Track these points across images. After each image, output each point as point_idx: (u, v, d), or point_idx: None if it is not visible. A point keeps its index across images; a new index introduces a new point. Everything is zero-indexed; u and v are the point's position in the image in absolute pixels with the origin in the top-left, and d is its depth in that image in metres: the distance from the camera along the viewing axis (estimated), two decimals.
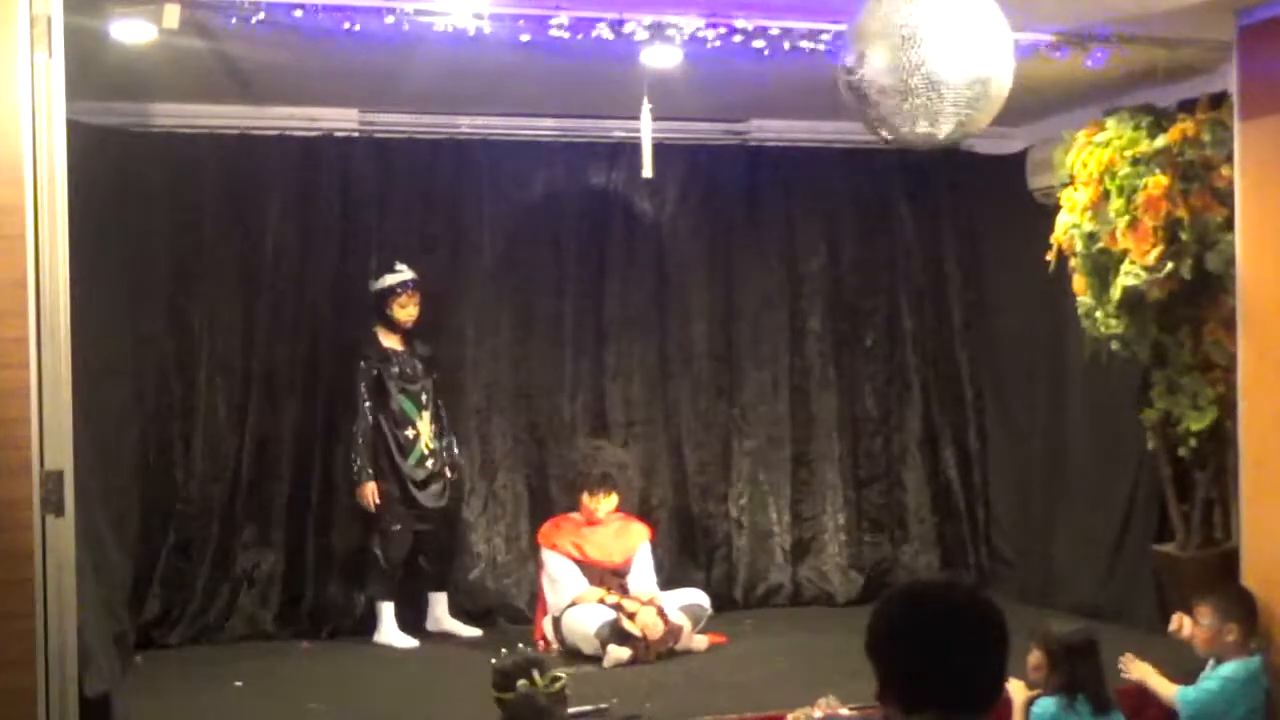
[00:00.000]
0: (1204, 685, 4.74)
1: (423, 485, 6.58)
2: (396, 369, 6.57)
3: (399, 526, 6.51)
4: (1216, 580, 5.34)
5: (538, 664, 4.24)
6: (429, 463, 6.60)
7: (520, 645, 4.77)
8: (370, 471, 6.43)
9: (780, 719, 4.90)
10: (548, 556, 6.46)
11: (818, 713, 4.41)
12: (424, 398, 6.65)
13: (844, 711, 4.36)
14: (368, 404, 6.48)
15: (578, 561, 6.41)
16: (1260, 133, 5.24)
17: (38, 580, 3.89)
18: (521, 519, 7.17)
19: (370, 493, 6.42)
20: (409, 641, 6.49)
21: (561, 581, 6.36)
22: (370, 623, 6.71)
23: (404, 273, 6.58)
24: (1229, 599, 4.91)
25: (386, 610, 6.54)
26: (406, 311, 6.58)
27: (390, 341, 6.60)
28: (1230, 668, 4.71)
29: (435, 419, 6.68)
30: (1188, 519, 6.17)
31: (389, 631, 6.51)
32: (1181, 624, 4.98)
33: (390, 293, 6.55)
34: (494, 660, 4.33)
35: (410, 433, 6.57)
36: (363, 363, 6.53)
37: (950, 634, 2.18)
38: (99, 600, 5.30)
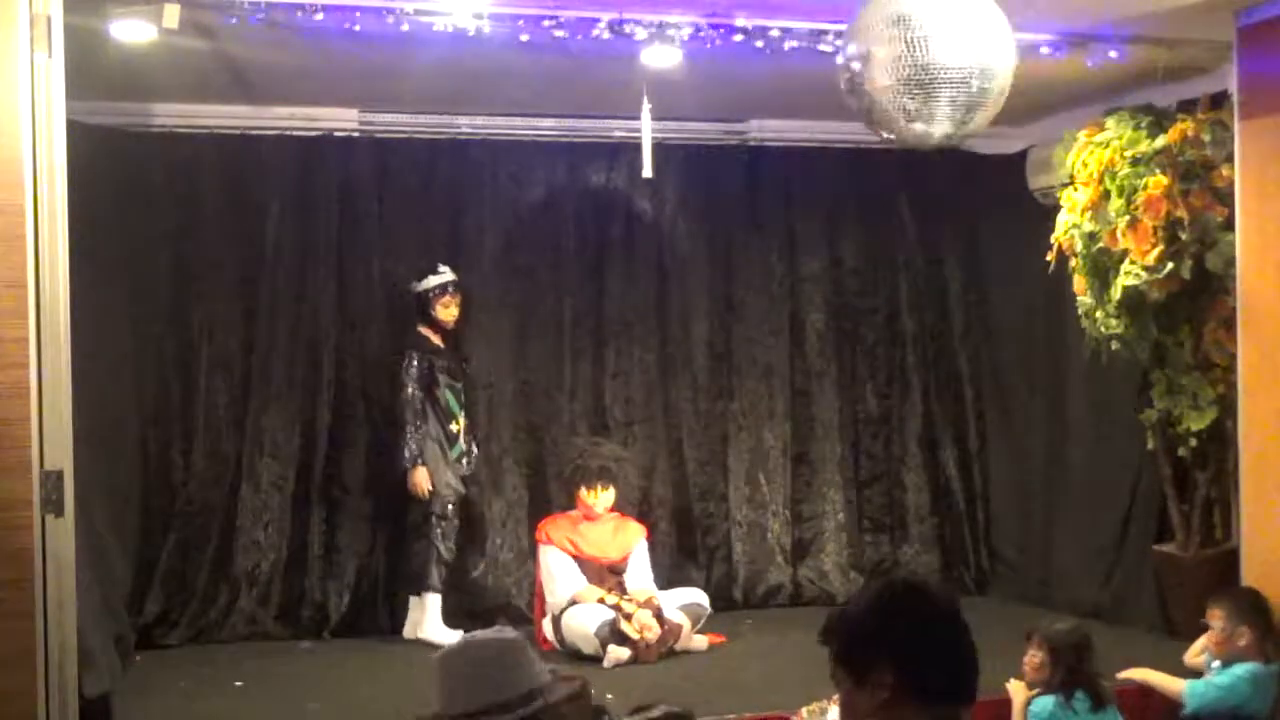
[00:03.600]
0: (1214, 680, 4.73)
1: (462, 481, 6.68)
2: (443, 363, 6.65)
3: (455, 517, 6.61)
4: (1228, 582, 5.31)
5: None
6: (464, 460, 6.69)
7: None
8: (421, 459, 6.47)
9: (780, 719, 4.90)
10: (544, 552, 6.46)
11: (833, 708, 4.35)
12: (462, 397, 6.74)
13: None
14: (419, 395, 6.53)
15: (574, 557, 6.42)
16: (1260, 133, 5.24)
17: (38, 580, 3.88)
18: (521, 519, 7.16)
19: (422, 479, 6.46)
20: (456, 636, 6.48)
21: (558, 577, 6.36)
22: (370, 622, 6.73)
23: (445, 274, 6.69)
24: (1241, 602, 4.88)
25: (434, 603, 6.51)
26: (449, 311, 6.69)
27: (435, 339, 6.68)
28: (1244, 667, 4.70)
29: (468, 418, 6.78)
30: (1188, 519, 6.17)
31: (434, 626, 6.47)
32: None
33: (433, 294, 6.64)
34: None
35: (454, 427, 6.65)
36: (415, 355, 6.56)
37: (932, 628, 2.25)
38: (99, 600, 5.31)
